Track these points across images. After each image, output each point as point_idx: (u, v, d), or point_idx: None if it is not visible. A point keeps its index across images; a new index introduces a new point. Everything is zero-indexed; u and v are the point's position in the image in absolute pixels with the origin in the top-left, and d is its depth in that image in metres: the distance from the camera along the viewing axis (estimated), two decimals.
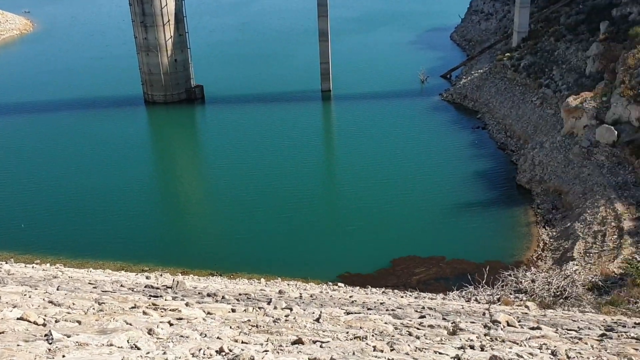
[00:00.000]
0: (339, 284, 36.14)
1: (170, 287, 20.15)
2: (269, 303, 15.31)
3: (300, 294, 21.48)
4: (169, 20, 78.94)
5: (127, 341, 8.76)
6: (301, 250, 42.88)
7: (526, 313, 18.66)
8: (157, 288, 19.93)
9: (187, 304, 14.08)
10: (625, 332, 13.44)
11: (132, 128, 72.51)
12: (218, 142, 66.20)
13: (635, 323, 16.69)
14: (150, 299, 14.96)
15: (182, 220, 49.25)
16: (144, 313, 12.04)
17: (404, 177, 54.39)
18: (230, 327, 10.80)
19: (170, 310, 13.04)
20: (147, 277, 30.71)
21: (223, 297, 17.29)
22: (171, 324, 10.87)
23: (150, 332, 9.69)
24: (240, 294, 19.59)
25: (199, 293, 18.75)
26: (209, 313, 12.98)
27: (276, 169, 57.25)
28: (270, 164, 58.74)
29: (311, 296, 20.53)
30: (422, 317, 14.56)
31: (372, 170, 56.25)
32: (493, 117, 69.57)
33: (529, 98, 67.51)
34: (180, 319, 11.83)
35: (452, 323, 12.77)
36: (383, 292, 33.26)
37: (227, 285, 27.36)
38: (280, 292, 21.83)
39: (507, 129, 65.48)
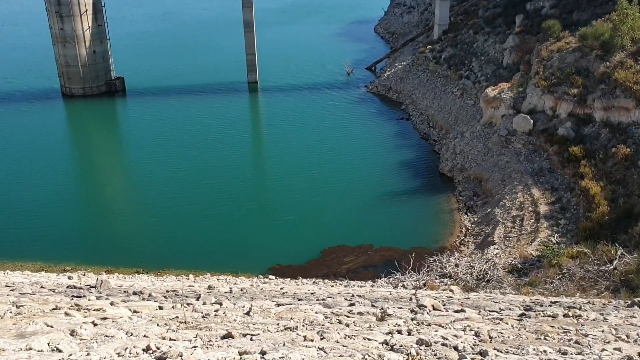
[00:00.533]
0: (270, 276, 36.07)
1: (94, 287, 19.45)
2: (197, 299, 15.06)
3: (231, 288, 21.27)
4: (86, 10, 75.73)
5: (48, 344, 8.38)
6: (231, 245, 42.48)
7: (451, 297, 19.30)
8: (80, 288, 19.18)
9: (112, 303, 13.63)
10: (542, 311, 14.16)
11: (49, 123, 69.23)
12: (141, 136, 64.35)
13: (551, 302, 17.62)
14: (72, 299, 14.37)
15: (105, 218, 47.59)
16: (66, 314, 11.56)
17: (332, 169, 54.86)
18: (158, 325, 10.54)
19: (94, 310, 12.58)
20: (69, 278, 29.50)
21: (150, 295, 16.86)
22: (95, 324, 10.48)
23: (72, 333, 9.31)
24: (167, 291, 19.16)
25: (124, 292, 18.20)
26: (135, 311, 12.62)
27: (203, 163, 56.33)
28: (197, 158, 57.73)
29: (241, 290, 20.38)
30: (352, 304, 14.76)
31: (301, 162, 56.41)
32: (416, 108, 71.27)
33: (450, 89, 69.62)
34: (105, 318, 11.44)
35: (380, 309, 13.01)
36: (314, 282, 33.49)
37: (154, 282, 26.71)
38: (209, 287, 21.53)
39: (430, 119, 67.28)
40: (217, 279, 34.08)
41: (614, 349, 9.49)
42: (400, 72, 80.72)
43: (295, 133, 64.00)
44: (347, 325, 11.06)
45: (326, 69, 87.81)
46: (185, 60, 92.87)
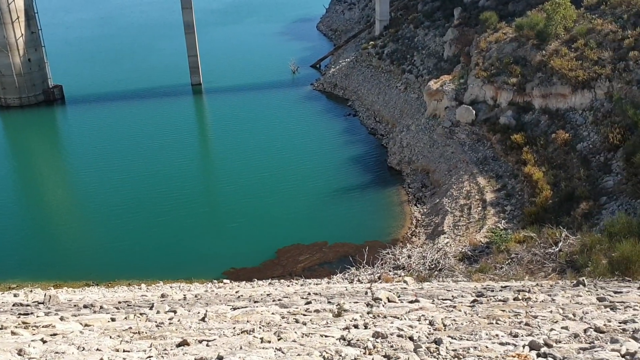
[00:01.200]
0: (225, 280, 35.69)
1: (42, 303, 18.80)
2: (151, 308, 14.77)
3: (185, 295, 20.96)
4: (18, 17, 73.00)
5: None
6: (183, 252, 41.87)
7: (405, 288, 19.59)
8: (28, 305, 18.51)
9: (61, 318, 13.21)
10: (493, 296, 14.54)
11: None
12: (84, 145, 62.56)
13: (501, 286, 18.12)
14: (19, 317, 13.85)
15: (51, 231, 46.07)
16: (13, 333, 11.13)
17: (283, 168, 54.78)
18: (111, 337, 10.28)
19: (42, 327, 12.17)
20: (15, 295, 28.40)
21: (101, 307, 16.42)
22: (44, 341, 10.14)
23: (20, 352, 8.98)
24: (120, 302, 18.72)
25: (74, 305, 17.67)
26: (86, 325, 12.27)
27: (150, 170, 55.22)
28: (143, 164, 56.56)
29: (196, 296, 20.11)
30: (308, 303, 14.78)
31: (250, 163, 56.08)
32: (362, 104, 71.92)
33: (394, 84, 70.54)
34: (55, 334, 11.08)
35: (337, 305, 13.08)
36: (270, 283, 33.35)
37: (105, 294, 26.05)
38: (162, 295, 21.15)
39: (376, 114, 68.01)
40: (171, 287, 33.53)
41: (562, 327, 9.84)
42: (345, 68, 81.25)
43: (243, 134, 63.56)
44: (304, 323, 11.07)
45: (271, 68, 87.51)
46: (126, 65, 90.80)
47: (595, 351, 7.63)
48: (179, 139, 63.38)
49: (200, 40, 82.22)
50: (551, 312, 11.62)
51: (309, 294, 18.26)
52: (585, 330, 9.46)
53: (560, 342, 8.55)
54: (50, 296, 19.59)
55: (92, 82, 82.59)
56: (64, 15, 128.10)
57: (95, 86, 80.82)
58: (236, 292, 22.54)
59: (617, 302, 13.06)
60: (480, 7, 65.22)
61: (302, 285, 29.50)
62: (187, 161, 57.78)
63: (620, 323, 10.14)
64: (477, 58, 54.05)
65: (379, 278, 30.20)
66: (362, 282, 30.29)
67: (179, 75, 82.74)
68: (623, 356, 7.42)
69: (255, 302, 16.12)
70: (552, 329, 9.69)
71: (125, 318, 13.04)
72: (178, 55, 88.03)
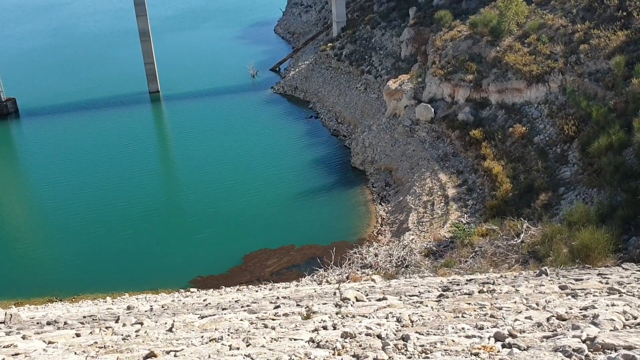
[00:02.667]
0: (192, 289, 35.29)
1: (3, 322, 18.25)
2: (116, 321, 14.49)
3: (151, 306, 20.63)
4: None
5: None
6: (148, 262, 41.26)
7: (373, 286, 19.70)
8: None
9: (24, 337, 12.85)
10: (459, 290, 14.74)
11: None
12: (40, 159, 61.01)
13: (467, 280, 18.37)
14: None
15: (10, 248, 44.76)
16: None
17: (246, 174, 54.48)
18: (76, 353, 10.05)
19: (3, 347, 11.81)
20: None
21: (65, 323, 16.04)
22: None
23: None
24: (84, 317, 18.31)
25: (37, 323, 17.21)
26: (50, 342, 11.97)
27: (110, 182, 54.10)
28: (103, 177, 55.39)
29: (163, 307, 19.82)
30: (277, 307, 14.73)
31: (213, 171, 55.58)
32: (324, 105, 72.11)
33: (354, 85, 70.97)
34: (17, 354, 10.77)
35: (305, 308, 13.06)
36: (238, 289, 33.11)
37: (70, 310, 25.45)
38: (128, 307, 20.79)
39: (338, 115, 68.29)
40: (137, 298, 33.00)
41: (526, 317, 10.04)
42: (305, 71, 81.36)
43: (205, 141, 63.00)
44: (273, 328, 11.02)
45: (230, 73, 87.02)
46: (81, 75, 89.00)
47: (558, 338, 7.81)
48: (139, 148, 62.41)
49: (156, 48, 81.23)
50: (515, 302, 11.84)
51: (278, 298, 18.20)
52: (548, 319, 9.67)
53: (524, 331, 8.72)
54: (11, 315, 19.03)
55: (46, 93, 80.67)
56: (14, 27, 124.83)
57: (50, 98, 78.96)
58: (204, 300, 22.30)
59: (578, 289, 13.40)
60: (434, 6, 66.12)
61: (270, 289, 29.39)
62: (148, 171, 56.92)
63: (581, 310, 10.41)
64: (433, 56, 54.79)
65: (347, 278, 30.31)
66: (330, 283, 30.35)
67: (136, 84, 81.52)
68: (584, 341, 7.61)
69: (223, 309, 15.98)
70: (516, 319, 9.88)
71: (91, 333, 12.77)
72: (134, 64, 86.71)
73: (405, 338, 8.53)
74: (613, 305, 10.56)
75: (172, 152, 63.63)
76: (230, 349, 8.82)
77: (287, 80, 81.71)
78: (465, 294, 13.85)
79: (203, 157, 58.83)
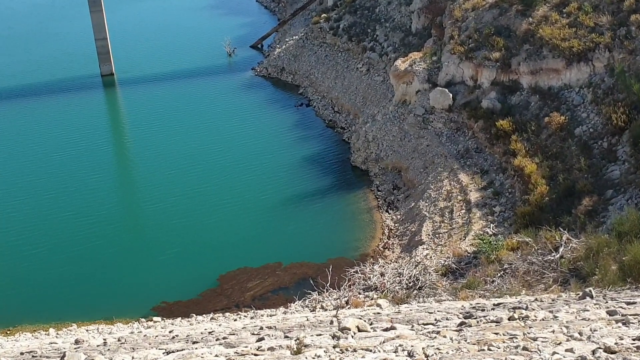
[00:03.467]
0: (155, 318, 35.22)
1: None
2: (62, 358, 14.43)
3: (105, 339, 20.57)
4: None
5: None
6: (101, 287, 41.07)
7: (379, 313, 19.70)
8: None
9: None
10: (484, 317, 14.75)
11: None
12: None
13: (494, 304, 18.41)
14: None
15: None
16: None
17: (223, 176, 54.41)
18: None
19: None
20: None
21: None
22: None
23: None
24: (22, 353, 18.23)
25: None
26: None
27: (53, 188, 53.72)
28: (45, 182, 55.00)
29: (119, 340, 19.76)
30: (261, 339, 14.70)
31: (181, 172, 55.38)
32: (317, 91, 72.15)
33: (354, 65, 71.04)
34: None
35: (296, 340, 13.03)
36: (212, 318, 33.05)
37: (4, 344, 25.34)
38: (76, 341, 20.70)
39: (335, 103, 68.32)
40: (87, 330, 32.88)
41: (566, 350, 10.05)
42: (293, 48, 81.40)
43: (170, 136, 62.85)
44: None
45: (201, 51, 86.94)
46: (18, 55, 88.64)
47: None
48: (88, 146, 62.12)
49: (110, 20, 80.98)
50: (553, 331, 11.85)
51: (261, 328, 18.17)
52: (593, 352, 9.68)
53: None
54: None
55: None
56: None
57: None
58: (170, 331, 22.23)
59: (630, 315, 13.43)
60: None
61: (252, 318, 29.35)
62: (100, 174, 56.48)
63: (634, 340, 10.42)
64: (451, 30, 54.91)
65: (347, 303, 30.29)
66: (326, 310, 30.32)
67: (84, 65, 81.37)
68: None
69: (194, 342, 15.93)
70: (554, 353, 9.88)
71: None
72: (83, 40, 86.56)
73: None
74: None
75: (130, 150, 63.43)
76: None
77: (272, 59, 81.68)
78: (492, 321, 13.86)
79: (168, 156, 58.67)
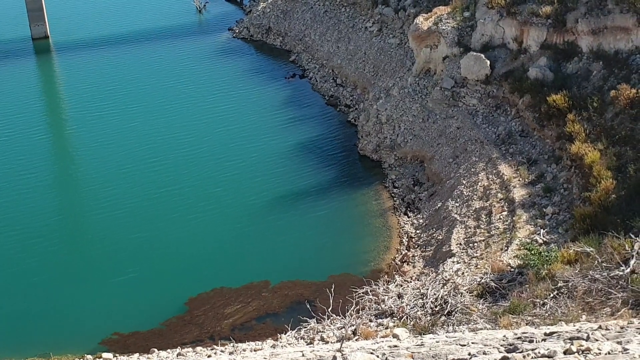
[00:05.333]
0: (105, 354, 35.20)
1: None
2: None
3: None
4: None
5: None
6: (35, 317, 40.99)
7: (396, 346, 19.68)
8: None
9: None
10: (533, 349, 14.76)
11: None
12: None
13: (545, 333, 18.42)
14: None
15: None
16: None
17: (194, 171, 54.26)
18: None
19: None
20: None
21: None
22: None
23: None
24: None
25: None
26: None
27: None
28: None
29: None
30: None
31: (140, 168, 55.17)
32: (313, 57, 71.93)
33: (361, 24, 70.80)
34: None
35: None
36: (178, 354, 33.05)
37: None
38: None
39: (337, 73, 68.14)
40: None
41: None
42: (282, 2, 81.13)
43: (124, 119, 62.65)
44: None
45: (161, 6, 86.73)
46: None
47: None
48: (15, 132, 61.93)
49: None
50: None
51: None
52: None
53: None
54: None
55: None
56: None
57: None
58: None
59: None
60: None
61: (231, 353, 29.36)
62: (33, 171, 56.20)
63: None
64: None
65: (354, 333, 30.29)
66: (327, 342, 30.31)
67: (13, 26, 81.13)
68: None
69: None
70: None
71: None
72: None
73: None
74: None
75: (71, 138, 63.12)
76: None
77: (255, 17, 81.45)
78: (544, 356, 13.87)
79: (122, 146, 58.51)
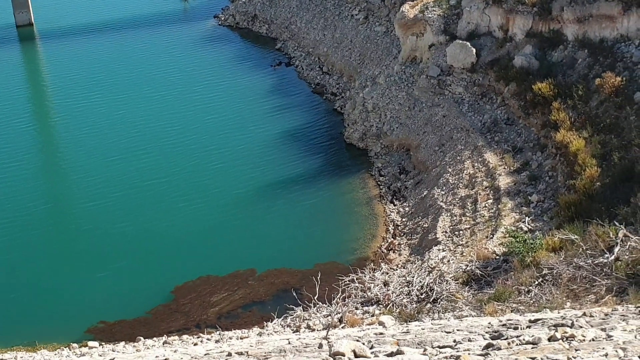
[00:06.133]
0: (90, 343, 35.16)
1: None
2: None
3: None
4: None
5: None
6: (21, 306, 40.97)
7: (382, 333, 19.72)
8: None
9: None
10: (517, 336, 14.81)
11: None
12: None
13: (530, 320, 18.48)
14: None
15: None
16: None
17: (179, 160, 54.14)
18: None
19: None
20: None
21: None
22: None
23: None
24: None
25: None
26: None
27: None
28: None
29: None
30: None
31: (125, 157, 55.05)
32: (299, 45, 71.82)
33: (347, 11, 70.65)
34: None
35: None
36: (165, 342, 33.03)
37: None
38: None
39: (323, 61, 68.06)
40: (2, 359, 32.86)
41: None
42: None
43: (109, 109, 62.41)
44: None
45: None
46: None
47: None
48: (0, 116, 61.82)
49: None
50: (606, 355, 11.92)
51: (230, 354, 18.19)
52: None
53: None
54: None
55: None
56: None
57: None
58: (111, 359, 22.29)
59: None
60: None
61: (217, 341, 29.38)
62: (18, 160, 56.07)
63: None
64: None
65: (341, 321, 30.37)
66: (314, 330, 30.37)
67: None
68: None
69: None
70: None
71: None
72: None
73: None
74: None
75: (56, 127, 62.88)
76: None
77: (240, 4, 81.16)
78: (528, 342, 13.93)
79: (107, 135, 58.35)
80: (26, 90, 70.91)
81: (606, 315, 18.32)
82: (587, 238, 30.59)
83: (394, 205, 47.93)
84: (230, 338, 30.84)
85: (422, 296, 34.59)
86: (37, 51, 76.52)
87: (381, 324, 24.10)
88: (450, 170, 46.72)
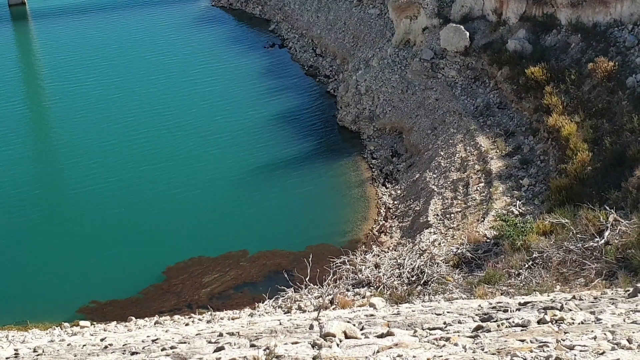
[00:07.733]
0: (82, 322, 35.25)
1: None
2: None
3: (16, 350, 20.54)
4: None
5: None
6: (12, 285, 40.96)
7: (372, 315, 19.77)
8: None
9: None
10: (507, 319, 14.86)
11: None
12: None
13: (520, 303, 18.55)
14: None
15: None
16: None
17: (170, 141, 54.07)
18: None
19: None
20: None
21: None
22: None
23: None
24: None
25: None
26: None
27: None
28: None
29: (35, 351, 19.73)
30: (220, 349, 14.74)
31: (117, 137, 54.95)
32: (293, 27, 71.62)
33: None
34: None
35: (265, 350, 13.10)
36: (156, 322, 33.08)
37: None
38: None
39: (316, 43, 67.90)
40: None
41: None
42: None
43: (102, 90, 62.21)
44: None
45: None
46: None
47: None
48: None
49: None
50: (595, 338, 11.96)
51: (221, 335, 18.21)
52: None
53: None
54: None
55: None
56: None
57: None
58: (102, 339, 22.24)
59: None
60: None
61: (209, 322, 29.41)
62: (9, 141, 56.00)
63: None
64: None
65: (332, 302, 30.45)
66: (304, 311, 30.45)
67: None
68: None
69: (132, 353, 15.97)
70: None
71: None
72: None
73: None
74: None
75: (49, 108, 62.72)
76: None
77: None
78: (518, 325, 13.97)
79: (100, 116, 58.19)
80: (18, 70, 70.62)
81: (595, 298, 18.39)
82: (577, 222, 30.70)
83: (386, 188, 47.98)
84: (222, 318, 30.92)
85: (413, 278, 34.68)
86: (29, 31, 76.16)
87: (372, 305, 24.19)
88: (442, 153, 46.74)
